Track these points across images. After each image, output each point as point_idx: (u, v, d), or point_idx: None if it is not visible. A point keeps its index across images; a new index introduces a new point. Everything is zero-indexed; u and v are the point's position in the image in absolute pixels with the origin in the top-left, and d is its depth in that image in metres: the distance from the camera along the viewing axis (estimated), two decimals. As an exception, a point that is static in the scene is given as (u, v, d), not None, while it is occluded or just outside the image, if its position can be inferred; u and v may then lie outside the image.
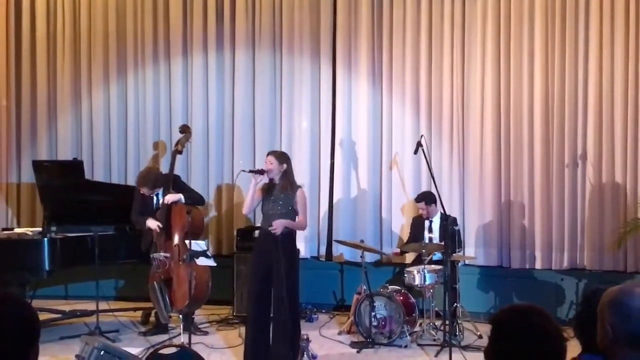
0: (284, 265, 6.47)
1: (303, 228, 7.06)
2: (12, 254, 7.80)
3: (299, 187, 6.81)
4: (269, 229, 6.49)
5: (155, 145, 9.66)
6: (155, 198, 7.91)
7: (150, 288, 7.57)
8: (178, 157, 8.03)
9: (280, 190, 6.60)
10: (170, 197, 7.60)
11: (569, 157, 8.53)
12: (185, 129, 8.02)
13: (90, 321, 8.09)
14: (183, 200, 7.66)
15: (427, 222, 8.28)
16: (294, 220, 6.67)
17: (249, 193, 6.64)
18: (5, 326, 1.93)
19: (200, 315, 8.42)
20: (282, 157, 6.69)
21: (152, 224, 7.64)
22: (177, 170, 8.18)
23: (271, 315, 6.64)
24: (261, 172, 6.57)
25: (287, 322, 6.49)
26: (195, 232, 7.51)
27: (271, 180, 6.61)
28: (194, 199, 7.90)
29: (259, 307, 6.62)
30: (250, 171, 6.68)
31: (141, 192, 7.87)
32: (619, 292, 2.46)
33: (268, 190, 6.63)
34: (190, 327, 7.48)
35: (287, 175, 6.64)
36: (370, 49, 9.20)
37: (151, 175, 7.96)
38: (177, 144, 7.92)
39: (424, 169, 8.65)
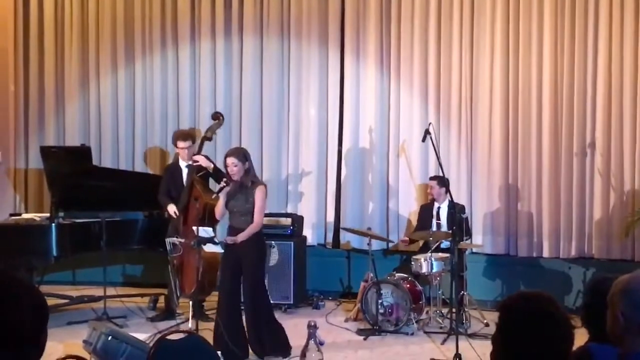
0: (251, 258, 6.59)
1: (257, 229, 6.63)
2: (19, 239, 7.83)
3: (261, 184, 6.76)
4: (227, 241, 6.58)
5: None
6: (186, 170, 7.93)
7: (168, 273, 7.63)
8: (207, 143, 8.04)
9: (240, 188, 6.59)
10: (202, 160, 7.63)
11: (577, 145, 8.51)
12: (217, 116, 7.98)
13: (98, 307, 8.12)
14: (212, 166, 7.72)
15: (435, 210, 8.28)
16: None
17: (219, 203, 6.68)
18: (15, 311, 1.94)
19: (208, 302, 8.42)
20: (243, 156, 6.60)
21: (171, 209, 7.69)
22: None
23: (242, 307, 6.75)
24: (227, 184, 6.55)
25: (258, 309, 6.62)
26: (211, 218, 7.53)
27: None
28: (219, 176, 7.92)
29: (230, 299, 6.68)
30: (219, 192, 6.61)
31: (178, 147, 7.97)
32: (631, 281, 2.46)
33: (230, 188, 6.62)
34: (199, 313, 7.52)
35: (248, 172, 6.60)
36: (378, 35, 9.17)
37: (187, 130, 8.22)
38: (207, 130, 7.92)
39: (432, 157, 8.63)
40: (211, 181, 8.08)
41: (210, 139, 7.89)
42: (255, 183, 6.65)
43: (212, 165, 7.81)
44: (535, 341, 2.41)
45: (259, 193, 6.58)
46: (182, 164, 8.02)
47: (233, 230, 6.66)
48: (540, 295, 2.49)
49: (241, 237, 6.55)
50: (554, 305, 2.46)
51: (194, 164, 7.70)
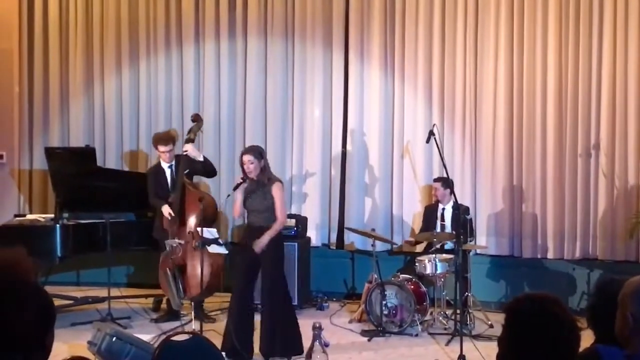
0: (270, 256, 6.59)
1: (283, 225, 6.77)
2: (24, 240, 7.80)
3: (277, 180, 6.75)
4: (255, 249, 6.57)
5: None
6: (169, 170, 7.93)
7: (162, 274, 7.60)
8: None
9: (258, 185, 6.59)
10: (191, 150, 7.64)
11: (582, 146, 8.50)
12: (197, 118, 8.04)
13: (102, 308, 8.13)
14: (201, 159, 7.76)
15: (439, 211, 8.28)
16: (273, 213, 6.64)
17: (237, 201, 6.68)
18: (21, 312, 1.94)
19: (211, 303, 8.43)
20: (259, 153, 6.62)
21: (166, 210, 7.67)
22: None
23: (259, 306, 6.80)
24: (244, 180, 6.56)
25: (276, 308, 6.61)
26: (209, 219, 7.54)
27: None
28: (208, 168, 7.95)
29: (241, 300, 6.68)
30: (235, 189, 6.64)
31: (159, 151, 7.96)
32: None
33: (247, 186, 6.62)
34: (201, 314, 7.53)
35: (264, 169, 6.61)
36: (382, 36, 9.16)
37: (167, 133, 8.25)
38: (189, 132, 7.94)
39: (436, 158, 8.62)
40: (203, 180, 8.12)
41: (192, 141, 7.91)
42: (272, 180, 6.66)
43: (202, 156, 7.83)
44: (541, 342, 2.40)
45: (276, 190, 6.60)
46: (164, 165, 8.02)
47: (252, 229, 6.66)
48: (546, 297, 2.49)
49: (267, 236, 6.55)
50: (560, 307, 2.45)
51: (183, 153, 7.73)
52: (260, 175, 6.57)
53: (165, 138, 8.11)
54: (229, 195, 6.82)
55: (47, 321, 2.00)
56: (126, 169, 9.69)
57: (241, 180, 6.57)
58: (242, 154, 6.67)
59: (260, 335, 6.65)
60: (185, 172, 7.72)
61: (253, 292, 6.74)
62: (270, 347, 6.61)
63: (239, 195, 6.64)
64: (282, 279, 6.76)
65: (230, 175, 9.58)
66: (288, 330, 6.66)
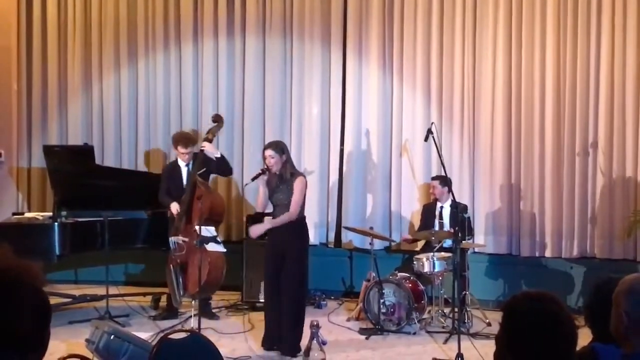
0: (295, 248, 6.65)
1: (291, 219, 6.67)
2: (22, 238, 7.82)
3: (300, 174, 6.83)
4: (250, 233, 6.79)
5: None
6: (186, 169, 7.94)
7: (168, 272, 7.63)
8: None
9: (282, 180, 6.65)
10: (209, 147, 7.71)
11: (579, 145, 8.50)
12: (217, 118, 8.04)
13: (100, 306, 8.12)
14: (218, 155, 7.81)
15: (437, 209, 8.27)
16: None
17: (260, 194, 6.77)
18: (17, 311, 1.94)
19: (212, 301, 8.43)
20: (280, 149, 6.68)
21: (174, 207, 7.68)
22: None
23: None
24: (263, 172, 6.62)
25: (292, 305, 6.64)
26: (215, 218, 7.56)
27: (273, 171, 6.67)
28: (223, 167, 7.96)
29: (271, 291, 6.74)
30: (253, 179, 6.68)
31: (178, 152, 7.95)
32: (636, 280, 2.46)
33: (271, 181, 6.70)
34: (206, 311, 7.55)
35: (287, 164, 6.67)
36: (381, 35, 9.16)
37: (188, 136, 8.23)
38: (208, 132, 7.95)
39: (434, 156, 8.63)
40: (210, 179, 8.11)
41: (210, 141, 7.91)
42: (295, 174, 6.72)
43: (219, 153, 7.87)
44: (539, 341, 2.40)
45: (298, 183, 6.66)
46: (182, 163, 8.02)
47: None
48: (544, 295, 2.49)
49: (267, 225, 6.68)
50: (558, 305, 2.46)
51: (200, 150, 7.77)
52: (283, 170, 6.64)
53: (185, 140, 8.03)
54: (246, 184, 6.84)
55: (43, 320, 2.01)
56: (124, 167, 9.67)
57: (260, 172, 6.64)
58: (264, 149, 6.78)
59: (282, 327, 6.68)
60: (202, 170, 7.73)
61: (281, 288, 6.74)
62: (292, 340, 6.63)
63: (261, 188, 6.72)
64: (303, 277, 6.82)
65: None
66: (295, 329, 6.67)
